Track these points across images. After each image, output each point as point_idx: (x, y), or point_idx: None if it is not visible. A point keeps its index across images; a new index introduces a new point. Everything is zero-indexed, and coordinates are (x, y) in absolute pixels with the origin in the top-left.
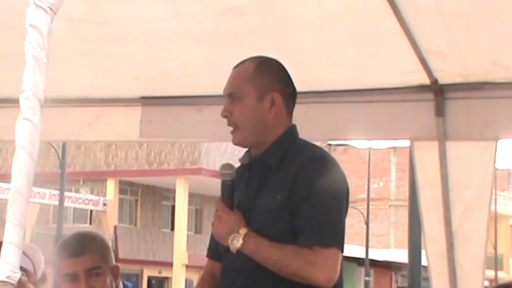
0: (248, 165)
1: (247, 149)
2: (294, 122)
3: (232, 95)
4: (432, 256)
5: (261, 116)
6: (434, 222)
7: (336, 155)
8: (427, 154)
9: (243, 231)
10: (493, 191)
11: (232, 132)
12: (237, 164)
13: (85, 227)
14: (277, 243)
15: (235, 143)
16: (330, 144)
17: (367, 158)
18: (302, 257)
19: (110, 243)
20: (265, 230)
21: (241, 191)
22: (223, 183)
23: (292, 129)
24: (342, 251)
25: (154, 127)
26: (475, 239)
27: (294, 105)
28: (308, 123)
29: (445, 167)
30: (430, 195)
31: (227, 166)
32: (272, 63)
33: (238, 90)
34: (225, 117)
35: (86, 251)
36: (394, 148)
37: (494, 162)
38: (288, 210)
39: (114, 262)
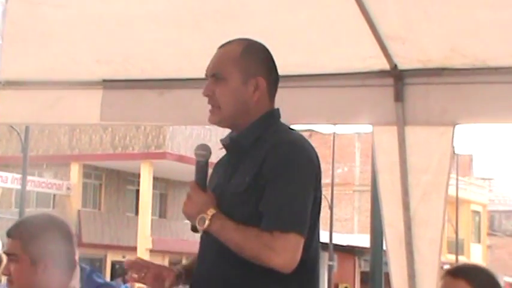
0: (227, 147)
1: (230, 130)
2: None
3: (216, 75)
4: (390, 240)
5: (244, 99)
6: (393, 207)
7: None
8: (386, 139)
9: (210, 212)
10: (455, 177)
11: (210, 111)
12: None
13: (48, 211)
14: (242, 226)
15: (212, 122)
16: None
17: (331, 143)
18: (262, 241)
19: (74, 228)
20: (233, 212)
21: (221, 173)
22: (197, 163)
23: (271, 113)
24: (304, 236)
25: (115, 110)
26: (432, 222)
27: (276, 92)
28: None
29: (404, 152)
30: (389, 180)
31: (201, 147)
32: (259, 48)
33: (223, 71)
34: (206, 95)
35: (11, 235)
36: (359, 133)
37: (452, 147)
38: (255, 193)
39: (46, 256)
